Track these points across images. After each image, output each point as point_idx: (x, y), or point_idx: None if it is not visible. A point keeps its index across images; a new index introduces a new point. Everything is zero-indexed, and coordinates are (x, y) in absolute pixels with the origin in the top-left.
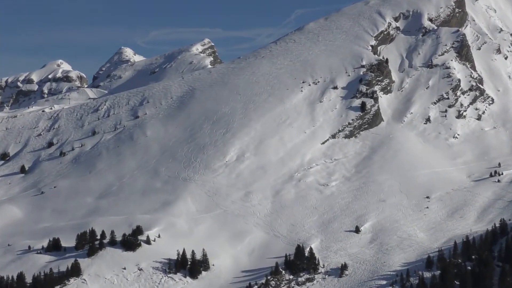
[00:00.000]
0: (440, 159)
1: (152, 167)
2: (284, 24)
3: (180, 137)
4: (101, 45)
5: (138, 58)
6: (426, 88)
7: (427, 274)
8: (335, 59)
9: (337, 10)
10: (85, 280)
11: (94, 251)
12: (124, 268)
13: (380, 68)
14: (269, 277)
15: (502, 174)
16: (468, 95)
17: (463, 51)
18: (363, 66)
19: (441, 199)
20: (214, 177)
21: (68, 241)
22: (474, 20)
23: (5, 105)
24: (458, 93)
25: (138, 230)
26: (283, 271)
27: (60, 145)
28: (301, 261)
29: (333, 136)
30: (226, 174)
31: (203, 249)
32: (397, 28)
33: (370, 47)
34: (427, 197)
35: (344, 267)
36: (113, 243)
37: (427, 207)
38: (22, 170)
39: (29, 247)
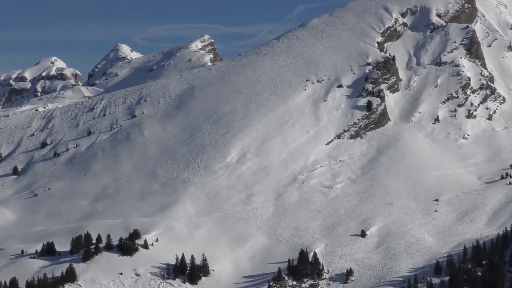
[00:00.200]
0: (449, 160)
1: (149, 168)
2: (286, 20)
3: (179, 137)
4: (96, 41)
5: (135, 55)
6: (435, 87)
7: (435, 280)
8: (340, 56)
9: (342, 5)
10: (81, 286)
11: (90, 255)
12: (121, 274)
13: (387, 65)
14: (271, 283)
15: None
16: (479, 93)
17: (473, 48)
18: (369, 64)
19: (450, 202)
20: (214, 179)
21: (62, 245)
22: (484, 16)
23: None
24: (468, 92)
25: (135, 234)
26: (286, 277)
27: (54, 145)
28: (304, 267)
29: (338, 137)
30: (226, 176)
31: (203, 254)
32: (404, 24)
33: (376, 44)
34: (436, 200)
35: (349, 272)
36: (109, 247)
37: (436, 211)
38: (15, 171)
39: (22, 251)
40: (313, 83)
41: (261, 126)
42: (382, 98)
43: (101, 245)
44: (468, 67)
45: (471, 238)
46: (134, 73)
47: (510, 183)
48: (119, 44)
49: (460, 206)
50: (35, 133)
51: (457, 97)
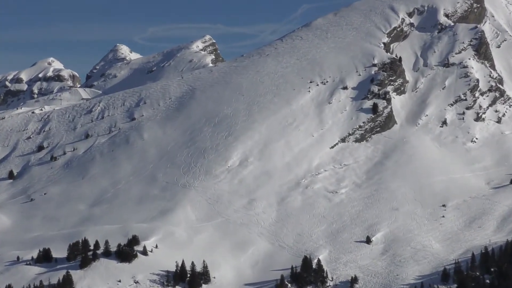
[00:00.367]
0: (457, 164)
1: (149, 172)
2: (290, 19)
3: (179, 140)
4: (95, 42)
5: (134, 56)
6: (442, 89)
7: None
8: (344, 57)
9: (347, 5)
10: None
11: (87, 262)
12: (119, 281)
13: (393, 67)
14: None
15: None
16: (487, 96)
17: (481, 49)
18: (374, 65)
19: (458, 208)
20: (216, 183)
21: (59, 252)
22: (493, 16)
23: None
24: (477, 94)
25: (134, 240)
26: (289, 285)
27: (51, 149)
28: (308, 274)
29: (343, 140)
30: (228, 180)
31: (204, 261)
32: (411, 24)
33: (382, 45)
34: (443, 206)
35: (354, 280)
36: (107, 253)
37: (443, 216)
38: (10, 175)
39: (18, 258)
40: (317, 85)
41: (264, 129)
42: (388, 100)
43: (99, 252)
44: (476, 69)
45: (479, 245)
46: (133, 75)
47: None
48: (118, 44)
49: (468, 212)
50: (31, 136)
51: (465, 100)
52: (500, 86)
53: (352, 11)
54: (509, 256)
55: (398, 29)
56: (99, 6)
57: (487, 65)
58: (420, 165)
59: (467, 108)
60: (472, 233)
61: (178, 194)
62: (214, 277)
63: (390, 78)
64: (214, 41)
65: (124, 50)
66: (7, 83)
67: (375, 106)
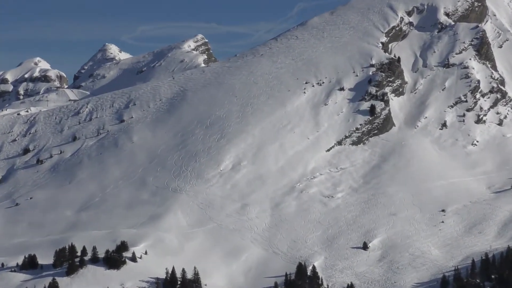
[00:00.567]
0: (457, 168)
1: (138, 176)
2: (285, 18)
3: (170, 143)
4: (83, 41)
5: (124, 55)
6: (442, 90)
7: None
8: (341, 57)
9: (344, 3)
10: None
11: (74, 269)
12: None
13: (392, 67)
14: None
15: None
16: (489, 97)
17: (483, 49)
18: (372, 66)
19: (458, 213)
20: (207, 187)
21: (45, 258)
22: (495, 15)
23: None
24: (478, 95)
25: (122, 246)
26: None
27: (37, 152)
28: (303, 281)
29: (339, 143)
30: (220, 184)
31: (195, 268)
32: (410, 23)
33: (380, 45)
34: (443, 211)
35: (350, 287)
36: (95, 260)
37: (443, 222)
38: None
39: (2, 264)
40: (313, 86)
41: (257, 132)
42: (386, 102)
43: (86, 258)
44: (477, 69)
45: (479, 251)
46: (123, 75)
47: None
48: (106, 44)
49: (468, 217)
50: (16, 139)
51: (466, 101)
52: (501, 87)
53: (349, 9)
54: (511, 263)
55: (397, 28)
56: (87, 4)
57: (489, 65)
58: (419, 169)
59: (468, 110)
60: (472, 239)
61: (169, 198)
62: (206, 285)
63: (388, 79)
64: (206, 40)
65: (113, 50)
66: None
67: (372, 108)
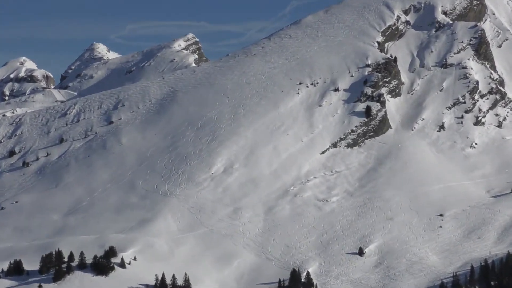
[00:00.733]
0: (456, 171)
1: (127, 180)
2: (278, 17)
3: (160, 145)
4: (70, 40)
5: (112, 55)
6: (440, 91)
7: None
8: (336, 57)
9: (338, 1)
10: None
11: (61, 275)
12: None
13: (388, 67)
14: None
15: None
16: (487, 98)
17: (481, 49)
18: (368, 66)
19: (457, 218)
20: (198, 191)
21: (31, 264)
22: (494, 14)
23: None
24: (476, 96)
25: (111, 252)
26: None
27: (23, 154)
28: None
29: (334, 145)
30: (212, 188)
31: (185, 274)
32: (407, 22)
33: (376, 44)
34: (441, 215)
35: None
36: (82, 266)
37: (441, 227)
38: None
39: None
40: (307, 87)
41: (250, 134)
42: (383, 103)
43: (73, 264)
44: (476, 70)
45: (478, 257)
46: (111, 75)
47: None
48: (94, 43)
49: (467, 222)
50: (2, 141)
51: (464, 102)
52: (501, 88)
53: (344, 8)
54: (510, 269)
55: (393, 27)
56: (73, 1)
57: (488, 65)
58: (416, 172)
59: (466, 112)
60: (471, 245)
61: (159, 202)
62: None
63: (385, 79)
64: (197, 39)
65: (101, 49)
66: None
67: (368, 109)
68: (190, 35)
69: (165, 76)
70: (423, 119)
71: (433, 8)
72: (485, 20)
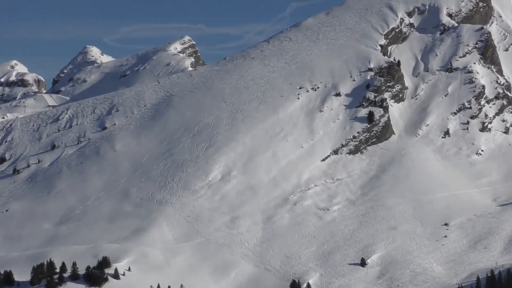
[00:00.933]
0: (461, 179)
1: (121, 187)
2: (277, 19)
3: (155, 152)
4: (62, 42)
5: (106, 58)
6: (445, 96)
7: None
8: (337, 61)
9: (340, 3)
10: None
11: (53, 286)
12: None
13: (391, 71)
14: None
15: None
16: (494, 104)
17: (488, 53)
18: (370, 70)
19: (462, 227)
20: (195, 199)
21: (22, 275)
22: (500, 16)
23: None
24: (482, 101)
25: (104, 262)
26: None
27: (14, 161)
28: None
29: (335, 152)
30: (208, 196)
31: (181, 285)
32: (411, 24)
33: (379, 47)
34: (446, 224)
35: None
36: (75, 277)
37: (445, 236)
38: None
39: None
40: (308, 91)
41: (248, 140)
42: (386, 109)
43: (65, 275)
44: (482, 74)
45: (485, 268)
46: (105, 79)
47: None
48: (87, 46)
49: (473, 231)
50: None
51: (470, 108)
52: (507, 93)
53: (345, 10)
54: None
55: (397, 30)
56: (66, 2)
57: (494, 70)
58: (420, 179)
59: (472, 117)
60: (477, 255)
61: (154, 211)
62: None
63: (388, 84)
64: (194, 42)
65: (94, 52)
66: None
67: (371, 114)
68: (186, 38)
69: (161, 80)
70: (428, 125)
71: (437, 10)
72: (492, 22)
